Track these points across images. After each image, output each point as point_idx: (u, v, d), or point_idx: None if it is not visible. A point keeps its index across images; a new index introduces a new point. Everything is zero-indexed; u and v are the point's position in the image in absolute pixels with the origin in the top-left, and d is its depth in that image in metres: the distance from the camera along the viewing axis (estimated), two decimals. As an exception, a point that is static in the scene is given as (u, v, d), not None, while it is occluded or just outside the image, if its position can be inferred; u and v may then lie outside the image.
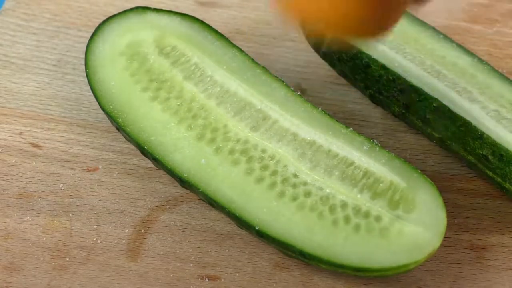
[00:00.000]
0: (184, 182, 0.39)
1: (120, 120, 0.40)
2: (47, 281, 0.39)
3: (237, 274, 0.39)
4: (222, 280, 0.39)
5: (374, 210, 0.37)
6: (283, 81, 0.41)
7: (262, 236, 0.38)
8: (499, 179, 0.40)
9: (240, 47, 0.42)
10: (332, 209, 0.37)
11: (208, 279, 0.39)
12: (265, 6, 0.53)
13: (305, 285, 0.39)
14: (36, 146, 0.44)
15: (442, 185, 0.43)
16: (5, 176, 0.43)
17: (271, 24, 0.52)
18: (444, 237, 0.37)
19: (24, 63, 0.48)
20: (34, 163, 0.43)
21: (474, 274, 0.39)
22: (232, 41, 0.43)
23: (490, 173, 0.41)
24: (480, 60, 0.44)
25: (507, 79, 0.43)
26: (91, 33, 0.42)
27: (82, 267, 0.39)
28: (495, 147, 0.39)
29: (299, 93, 0.41)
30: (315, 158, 0.39)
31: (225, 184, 0.38)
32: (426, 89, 0.42)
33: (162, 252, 0.40)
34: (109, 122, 0.42)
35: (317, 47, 0.46)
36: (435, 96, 0.41)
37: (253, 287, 0.39)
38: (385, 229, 0.37)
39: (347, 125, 0.40)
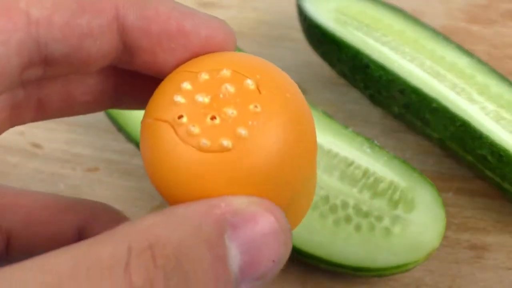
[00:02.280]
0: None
1: (120, 120, 0.40)
2: (48, 280, 0.39)
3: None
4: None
5: (374, 210, 0.38)
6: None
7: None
8: (498, 179, 0.41)
9: (240, 47, 0.42)
10: (332, 208, 0.38)
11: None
12: (265, 6, 0.53)
13: (305, 285, 0.39)
14: (37, 146, 0.44)
15: (441, 185, 0.43)
16: (6, 176, 0.43)
17: (271, 24, 0.52)
18: (444, 237, 0.37)
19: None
20: (35, 163, 0.43)
21: (473, 273, 0.40)
22: (232, 42, 0.43)
23: (489, 173, 0.41)
24: (479, 60, 0.44)
25: (506, 79, 0.43)
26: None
27: (83, 266, 0.39)
28: (494, 147, 0.40)
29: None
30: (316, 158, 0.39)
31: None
32: (425, 89, 0.42)
33: (162, 252, 0.40)
34: (110, 122, 0.42)
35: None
36: (435, 96, 0.41)
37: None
38: (385, 229, 0.37)
39: (347, 125, 0.40)
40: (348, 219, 0.37)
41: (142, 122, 0.26)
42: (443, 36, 0.46)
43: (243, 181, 0.24)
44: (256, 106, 0.24)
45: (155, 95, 0.26)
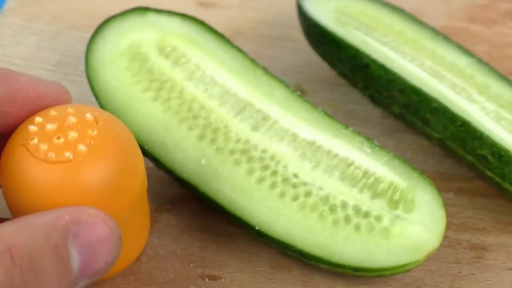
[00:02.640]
0: (184, 183, 0.39)
1: (120, 120, 0.40)
2: (48, 281, 0.39)
3: (237, 274, 0.39)
4: (223, 280, 0.39)
5: (374, 210, 0.38)
6: (283, 81, 0.41)
7: (262, 236, 0.38)
8: (498, 179, 0.41)
9: (239, 47, 0.42)
10: (332, 209, 0.38)
11: (209, 279, 0.39)
12: (265, 6, 0.53)
13: (305, 285, 0.39)
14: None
15: (442, 185, 0.43)
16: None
17: (271, 24, 0.52)
18: (444, 237, 0.37)
19: (24, 64, 0.48)
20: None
21: (473, 273, 0.40)
22: (232, 42, 0.43)
23: (490, 173, 0.41)
24: (479, 60, 0.44)
25: (506, 79, 0.43)
26: (91, 34, 0.42)
27: (82, 267, 0.39)
28: (494, 147, 0.40)
29: (299, 93, 0.41)
30: (315, 158, 0.39)
31: (225, 185, 0.38)
32: (425, 89, 0.42)
33: (162, 252, 0.40)
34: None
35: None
36: (435, 96, 0.41)
37: (253, 286, 0.39)
38: (384, 229, 0.37)
39: (347, 125, 0.40)
40: (347, 219, 0.37)
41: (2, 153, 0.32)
42: (443, 36, 0.46)
43: (83, 190, 0.30)
44: (93, 131, 0.31)
45: (14, 132, 0.32)
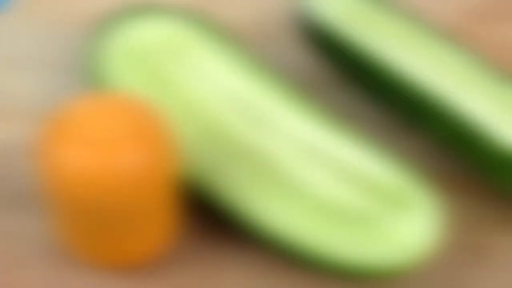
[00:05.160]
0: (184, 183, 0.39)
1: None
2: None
3: (236, 275, 0.39)
4: (222, 281, 0.39)
5: (373, 211, 0.38)
6: (284, 82, 0.41)
7: (260, 236, 0.38)
8: (499, 180, 0.41)
9: (237, 47, 0.42)
10: (330, 209, 0.38)
11: (209, 280, 0.39)
12: (266, 6, 0.53)
13: (305, 285, 0.39)
14: (36, 146, 0.44)
15: (442, 185, 0.43)
16: (4, 176, 0.43)
17: (271, 24, 0.52)
18: (444, 238, 0.37)
19: (24, 63, 0.48)
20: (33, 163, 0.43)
21: (474, 275, 0.40)
22: (235, 41, 0.43)
23: (491, 174, 0.41)
24: (481, 60, 0.44)
25: (507, 79, 0.43)
26: (92, 33, 0.42)
27: (81, 267, 0.39)
28: (495, 148, 0.40)
29: (300, 93, 0.41)
30: (315, 158, 0.39)
31: (223, 184, 0.38)
32: (426, 89, 0.42)
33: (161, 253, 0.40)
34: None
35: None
36: (436, 96, 0.42)
37: (253, 287, 0.39)
38: (381, 230, 0.37)
39: (347, 125, 0.40)
40: (344, 220, 0.37)
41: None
42: (444, 36, 0.46)
43: (118, 173, 0.32)
44: (129, 117, 0.33)
45: (51, 120, 0.34)
